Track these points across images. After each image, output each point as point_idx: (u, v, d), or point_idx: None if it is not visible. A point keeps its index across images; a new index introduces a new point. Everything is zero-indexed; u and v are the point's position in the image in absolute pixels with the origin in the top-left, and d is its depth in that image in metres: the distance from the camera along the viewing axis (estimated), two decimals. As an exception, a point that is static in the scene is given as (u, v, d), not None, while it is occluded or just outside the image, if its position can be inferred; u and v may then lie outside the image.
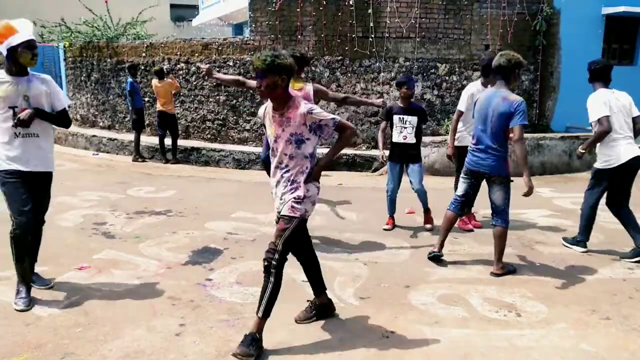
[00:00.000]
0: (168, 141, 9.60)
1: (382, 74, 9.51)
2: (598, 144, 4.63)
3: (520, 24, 9.58)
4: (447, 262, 4.53)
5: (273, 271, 3.01)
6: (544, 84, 10.02)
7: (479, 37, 9.56)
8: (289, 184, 3.07)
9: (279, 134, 3.04)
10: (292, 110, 2.98)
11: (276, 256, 3.00)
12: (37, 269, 4.01)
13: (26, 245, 3.60)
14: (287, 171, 3.07)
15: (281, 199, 3.11)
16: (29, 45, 3.46)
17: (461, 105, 5.42)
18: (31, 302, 3.56)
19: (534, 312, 3.58)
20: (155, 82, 9.39)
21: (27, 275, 3.67)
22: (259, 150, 9.34)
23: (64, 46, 13.19)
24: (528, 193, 4.06)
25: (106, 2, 13.54)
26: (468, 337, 3.23)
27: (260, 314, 3.00)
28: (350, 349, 3.08)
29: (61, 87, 14.45)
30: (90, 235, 5.24)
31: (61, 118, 3.74)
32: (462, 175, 4.46)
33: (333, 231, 5.40)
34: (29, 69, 3.56)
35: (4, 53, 3.44)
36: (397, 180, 5.48)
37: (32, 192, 3.60)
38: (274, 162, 3.12)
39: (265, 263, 3.02)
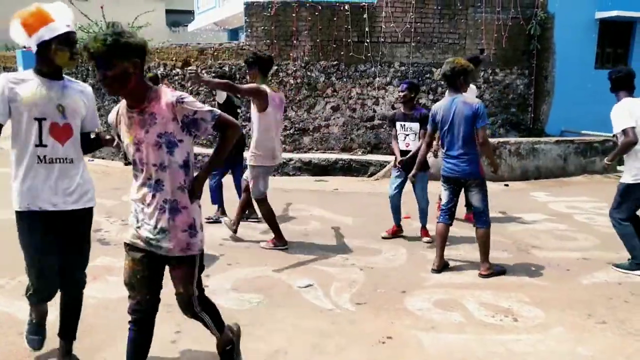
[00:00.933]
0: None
1: (377, 78, 9.53)
2: (625, 157, 4.38)
3: (515, 28, 9.63)
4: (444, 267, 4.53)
5: (202, 312, 2.63)
6: (538, 88, 10.06)
7: (473, 42, 9.60)
8: (167, 207, 2.32)
9: (141, 137, 2.27)
10: (155, 102, 2.25)
11: (196, 304, 2.58)
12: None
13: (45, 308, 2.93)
14: (161, 189, 2.31)
15: (157, 229, 2.34)
16: (68, 39, 2.56)
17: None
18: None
19: (531, 316, 3.58)
20: None
21: (43, 319, 3.01)
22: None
23: (59, 52, 13.16)
24: (495, 170, 4.44)
25: (102, 7, 13.56)
26: (464, 342, 3.22)
27: (218, 334, 2.73)
28: (347, 354, 3.07)
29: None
30: (85, 241, 5.20)
31: (93, 143, 2.94)
32: (442, 184, 4.48)
33: (329, 236, 5.39)
34: (64, 71, 2.70)
35: (34, 48, 2.55)
36: (395, 186, 5.31)
37: (62, 240, 2.71)
38: (139, 179, 2.36)
39: (190, 315, 2.62)
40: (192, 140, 2.34)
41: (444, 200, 4.47)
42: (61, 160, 2.61)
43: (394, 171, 5.42)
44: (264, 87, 4.68)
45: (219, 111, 2.33)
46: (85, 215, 2.81)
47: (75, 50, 2.59)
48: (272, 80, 4.93)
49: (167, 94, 2.25)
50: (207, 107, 2.29)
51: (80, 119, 2.72)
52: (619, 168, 8.73)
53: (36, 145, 2.53)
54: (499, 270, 4.36)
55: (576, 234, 5.52)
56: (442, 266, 4.45)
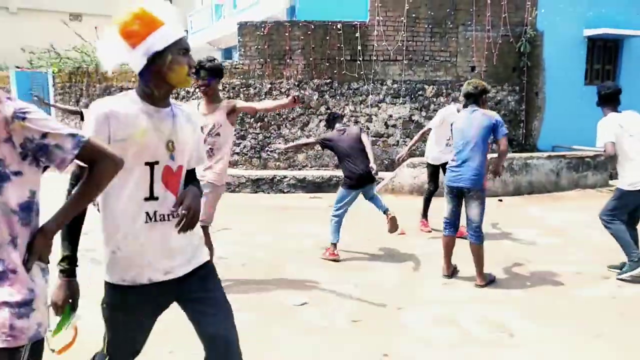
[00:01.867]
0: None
1: (370, 96, 9.61)
2: (621, 166, 4.55)
3: (505, 46, 9.77)
4: (441, 282, 4.53)
5: None
6: (529, 104, 10.18)
7: (465, 59, 9.73)
8: None
9: None
10: None
11: None
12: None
13: None
14: None
15: None
16: (184, 48, 1.91)
17: (431, 124, 6.17)
18: None
19: (526, 331, 3.57)
20: None
21: None
22: (248, 173, 9.36)
23: (53, 72, 13.21)
24: (496, 173, 4.60)
25: (96, 27, 13.63)
26: (461, 358, 3.21)
27: None
28: (343, 373, 3.04)
29: (49, 112, 14.46)
30: (80, 253, 5.15)
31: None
32: (446, 193, 4.57)
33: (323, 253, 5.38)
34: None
35: (139, 64, 1.87)
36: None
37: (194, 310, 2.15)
38: None
39: None
40: (39, 173, 1.62)
41: (447, 213, 4.55)
42: (173, 216, 1.95)
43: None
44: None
45: (87, 136, 1.61)
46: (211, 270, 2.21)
47: (192, 62, 1.95)
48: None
49: (4, 105, 1.49)
50: (67, 129, 1.57)
51: (188, 157, 2.04)
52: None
53: (145, 199, 1.90)
54: (492, 280, 4.50)
55: (570, 248, 5.54)
56: (453, 271, 4.65)
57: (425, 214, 6.32)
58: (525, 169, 8.76)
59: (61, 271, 1.88)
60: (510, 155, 8.89)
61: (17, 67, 16.83)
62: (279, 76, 9.54)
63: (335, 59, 9.46)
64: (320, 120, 9.59)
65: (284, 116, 9.59)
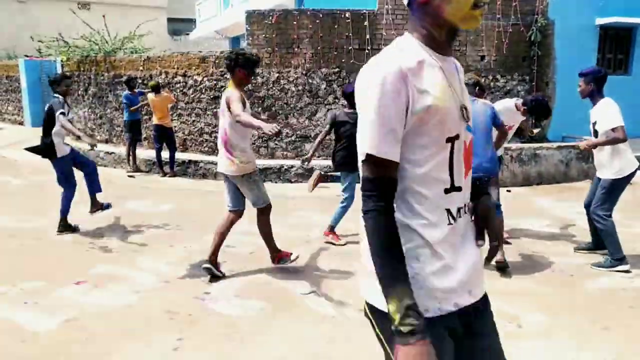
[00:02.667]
0: (165, 154, 9.58)
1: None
2: (602, 154, 4.57)
3: (515, 35, 9.65)
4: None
5: None
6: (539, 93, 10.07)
7: (474, 49, 9.62)
8: None
9: None
10: None
11: None
12: (31, 283, 3.96)
13: None
14: None
15: None
16: None
17: None
18: None
19: (535, 322, 3.56)
20: (151, 96, 9.39)
21: None
22: (256, 162, 9.34)
23: (61, 60, 13.24)
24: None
25: (104, 16, 13.64)
26: (468, 348, 3.21)
27: None
28: (350, 362, 3.05)
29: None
30: (87, 249, 5.21)
31: None
32: None
33: (329, 245, 5.38)
34: None
35: None
36: None
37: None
38: None
39: None
40: None
41: None
42: (466, 211, 1.45)
43: None
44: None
45: None
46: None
47: None
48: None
49: None
50: None
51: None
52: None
53: (446, 192, 1.37)
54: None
55: (580, 240, 5.50)
56: None
57: None
58: (534, 159, 8.69)
59: (410, 332, 1.21)
60: (519, 145, 8.83)
61: (27, 56, 16.91)
62: (287, 65, 9.49)
63: (343, 48, 9.40)
64: (328, 110, 9.55)
65: (291, 105, 9.56)
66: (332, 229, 5.44)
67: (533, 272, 4.55)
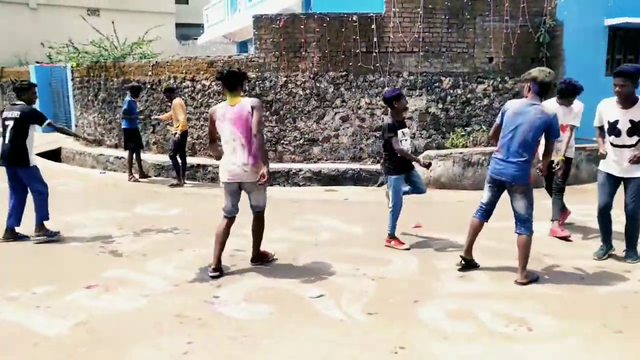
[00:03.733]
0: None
1: (386, 88, 9.54)
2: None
3: (524, 36, 9.61)
4: (457, 275, 4.50)
5: None
6: (548, 95, 10.00)
7: (482, 50, 9.59)
8: None
9: None
10: None
11: None
12: (43, 288, 3.99)
13: None
14: None
15: None
16: None
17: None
18: None
19: (545, 326, 3.53)
20: (179, 101, 9.30)
21: None
22: (264, 166, 9.35)
23: (72, 66, 13.36)
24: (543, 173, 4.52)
25: (113, 22, 13.76)
26: (478, 352, 3.19)
27: None
28: (359, 365, 3.05)
29: (68, 106, 14.66)
30: (97, 253, 5.24)
31: None
32: (486, 182, 4.51)
33: (339, 246, 5.38)
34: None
35: None
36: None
37: None
38: None
39: None
40: None
41: (484, 199, 4.51)
42: None
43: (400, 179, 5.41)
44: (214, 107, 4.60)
45: None
46: None
47: None
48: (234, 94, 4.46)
49: None
50: None
51: None
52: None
53: None
54: (534, 279, 4.36)
55: (590, 242, 5.45)
56: (470, 264, 4.56)
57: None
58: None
59: None
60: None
61: (37, 62, 17.09)
62: (295, 69, 9.51)
63: (350, 51, 9.40)
64: (335, 113, 9.56)
65: (299, 109, 9.57)
66: (391, 237, 5.33)
67: (543, 275, 4.52)
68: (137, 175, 9.73)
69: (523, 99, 4.44)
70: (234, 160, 4.47)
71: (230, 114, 4.43)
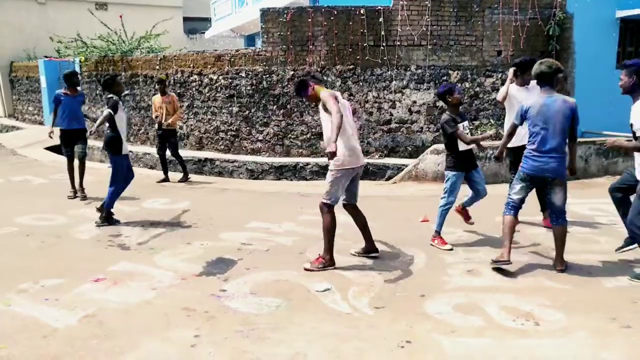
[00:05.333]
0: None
1: (393, 82, 9.50)
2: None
3: (533, 29, 9.52)
4: (464, 270, 4.49)
5: None
6: (558, 88, 9.91)
7: (490, 44, 9.52)
8: None
9: None
10: None
11: None
12: (52, 281, 4.02)
13: None
14: None
15: None
16: None
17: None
18: None
19: (553, 320, 3.52)
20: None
21: None
22: (271, 160, 9.38)
23: (80, 61, 13.42)
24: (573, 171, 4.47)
25: (120, 16, 13.79)
26: (485, 346, 3.18)
27: None
28: (366, 358, 3.05)
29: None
30: (106, 247, 5.28)
31: None
32: (519, 180, 4.46)
33: (348, 240, 5.37)
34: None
35: None
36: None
37: None
38: None
39: None
40: None
41: (516, 195, 4.46)
42: None
43: (458, 175, 5.12)
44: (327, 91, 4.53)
45: None
46: None
47: None
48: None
49: None
50: None
51: None
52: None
53: None
54: (568, 266, 4.45)
55: (599, 237, 5.41)
56: (508, 257, 4.38)
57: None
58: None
59: None
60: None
61: (46, 57, 17.17)
62: (302, 63, 9.49)
63: (358, 45, 9.36)
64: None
65: (306, 103, 9.56)
66: (436, 235, 5.16)
67: (551, 270, 4.49)
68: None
69: (539, 95, 4.45)
70: (357, 146, 4.61)
71: (345, 103, 4.62)
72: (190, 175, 9.17)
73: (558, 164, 4.28)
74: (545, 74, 4.32)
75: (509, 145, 5.11)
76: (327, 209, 4.57)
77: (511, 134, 4.76)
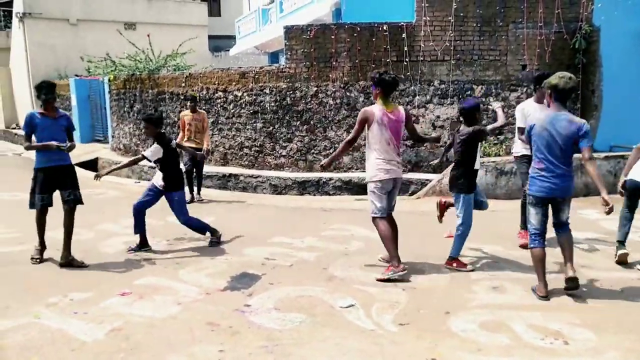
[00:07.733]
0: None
1: (417, 97, 9.49)
2: None
3: (558, 42, 9.42)
4: (490, 287, 4.41)
5: None
6: (585, 102, 9.76)
7: (515, 58, 9.45)
8: None
9: None
10: None
11: None
12: (80, 294, 4.08)
13: None
14: None
15: None
16: None
17: (520, 122, 5.75)
18: None
19: (582, 339, 3.43)
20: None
21: None
22: (295, 175, 9.42)
23: (109, 79, 13.80)
24: (609, 211, 4.03)
25: (148, 35, 14.16)
26: (512, 365, 3.12)
27: None
28: (389, 377, 3.02)
29: (105, 118, 15.10)
30: (132, 261, 5.36)
31: None
32: (533, 205, 4.27)
33: (371, 256, 5.34)
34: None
35: None
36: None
37: None
38: None
39: None
40: None
41: (536, 225, 4.25)
42: None
43: (470, 198, 4.98)
44: (366, 109, 4.90)
45: None
46: None
47: None
48: (392, 100, 4.94)
49: None
50: None
51: None
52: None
53: None
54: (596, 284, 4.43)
55: (631, 254, 5.27)
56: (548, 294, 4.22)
57: (525, 224, 5.05)
58: (581, 170, 8.40)
59: None
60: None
61: (77, 75, 17.70)
62: (325, 79, 9.57)
63: (381, 61, 9.40)
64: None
65: (329, 119, 9.61)
66: (452, 259, 4.95)
67: (580, 287, 4.38)
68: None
69: (547, 111, 4.36)
70: (393, 159, 4.81)
71: (386, 118, 4.75)
72: (206, 192, 9.18)
73: (568, 184, 4.16)
74: (559, 89, 4.11)
75: (526, 153, 5.22)
76: (379, 220, 4.79)
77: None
